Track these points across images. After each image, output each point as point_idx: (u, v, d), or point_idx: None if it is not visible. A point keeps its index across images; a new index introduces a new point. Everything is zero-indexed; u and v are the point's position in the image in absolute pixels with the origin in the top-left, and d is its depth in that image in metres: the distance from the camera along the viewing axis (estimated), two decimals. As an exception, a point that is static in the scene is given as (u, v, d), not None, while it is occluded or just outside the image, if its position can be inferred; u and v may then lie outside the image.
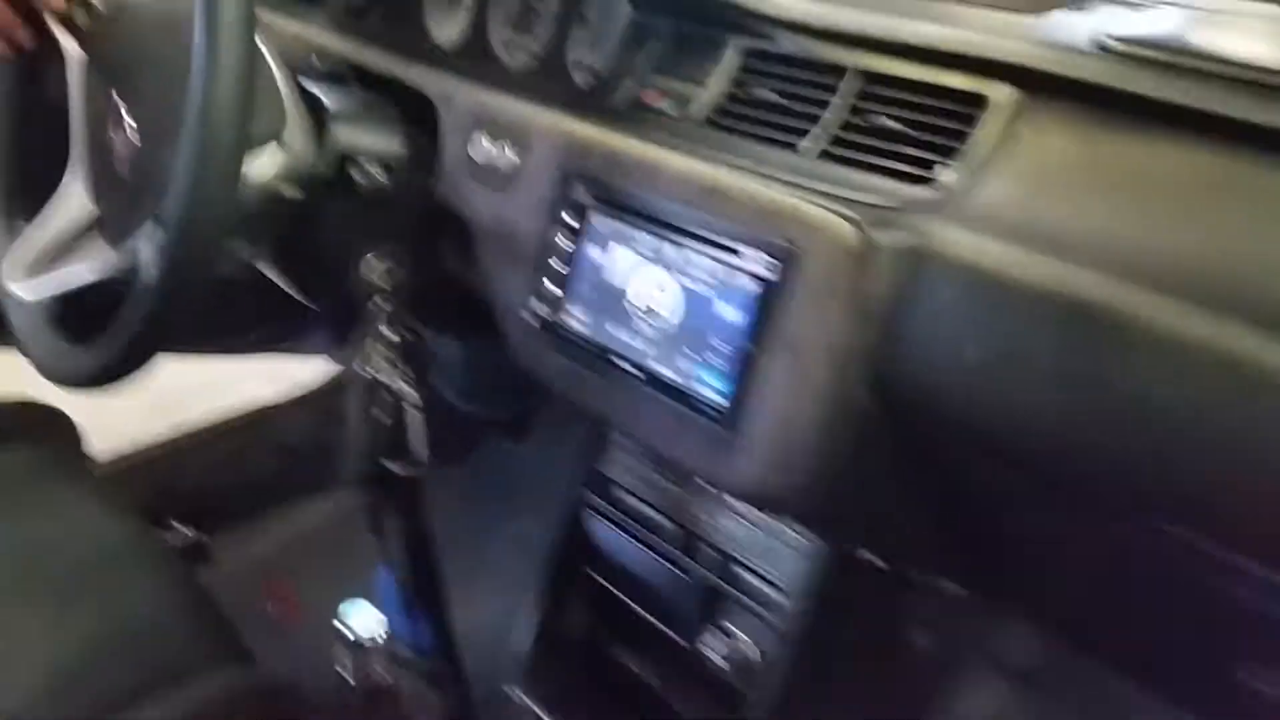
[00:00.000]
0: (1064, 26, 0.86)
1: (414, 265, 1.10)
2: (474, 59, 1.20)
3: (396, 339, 1.11)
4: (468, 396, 2.02)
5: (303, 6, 1.39)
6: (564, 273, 0.97)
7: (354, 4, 1.37)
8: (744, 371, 0.83)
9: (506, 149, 1.03)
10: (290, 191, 1.00)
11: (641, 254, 0.91)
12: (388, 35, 1.28)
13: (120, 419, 1.71)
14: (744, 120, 0.97)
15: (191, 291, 0.83)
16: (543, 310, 0.99)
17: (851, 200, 0.84)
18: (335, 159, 1.04)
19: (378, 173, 1.02)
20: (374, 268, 1.09)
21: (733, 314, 0.84)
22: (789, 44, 0.97)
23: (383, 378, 1.11)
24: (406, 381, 1.12)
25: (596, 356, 0.95)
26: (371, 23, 1.39)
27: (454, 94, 1.10)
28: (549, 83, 1.15)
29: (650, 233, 0.91)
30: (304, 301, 1.19)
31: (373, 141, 1.06)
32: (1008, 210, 0.79)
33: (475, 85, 1.11)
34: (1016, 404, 0.75)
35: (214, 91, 0.77)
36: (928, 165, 0.85)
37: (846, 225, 0.80)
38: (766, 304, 0.82)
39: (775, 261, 0.82)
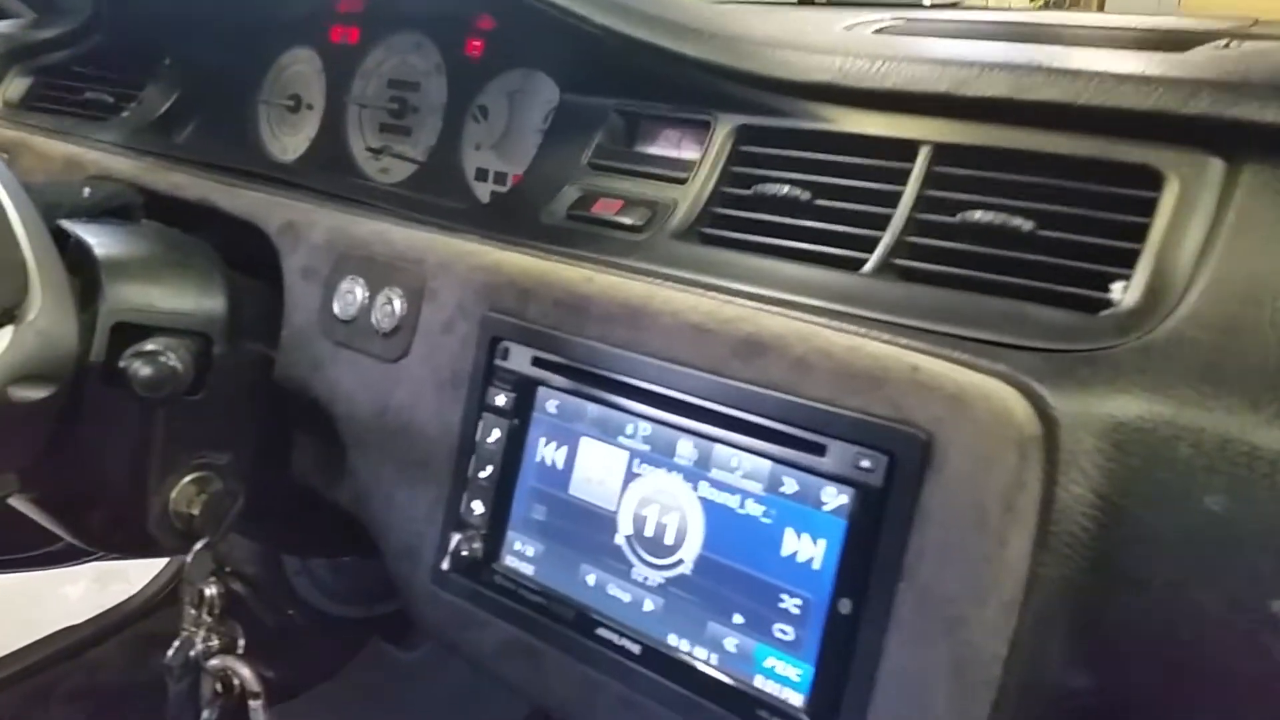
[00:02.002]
0: (1253, 58, 0.56)
1: (245, 483, 0.71)
2: (328, 173, 0.85)
3: (220, 592, 0.71)
4: (338, 597, 1.62)
5: (86, 121, 1.02)
6: (497, 487, 0.60)
7: (160, 113, 1.00)
8: (835, 647, 0.48)
9: (391, 298, 0.66)
10: (30, 392, 0.60)
11: (634, 452, 0.55)
12: (205, 151, 0.91)
13: None
14: (752, 229, 0.64)
15: None
16: (464, 547, 0.61)
17: (982, 342, 0.51)
18: (111, 334, 0.65)
19: (176, 353, 0.64)
20: (183, 493, 0.69)
21: (808, 548, 0.49)
22: (812, 115, 0.65)
23: (212, 661, 0.70)
24: (241, 658, 0.71)
25: (556, 620, 0.57)
26: (183, 137, 1.02)
27: (301, 222, 0.74)
28: (441, 198, 0.80)
29: (648, 419, 0.55)
30: (83, 546, 0.77)
31: (172, 301, 0.67)
32: (1249, 345, 0.47)
33: (334, 207, 0.75)
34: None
35: None
36: (1085, 279, 0.53)
37: (1008, 390, 0.46)
38: (872, 530, 0.47)
39: (883, 457, 0.47)
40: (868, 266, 0.58)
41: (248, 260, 0.75)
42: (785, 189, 0.64)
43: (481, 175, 0.89)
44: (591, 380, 0.58)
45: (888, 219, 0.60)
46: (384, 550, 0.67)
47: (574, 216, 0.70)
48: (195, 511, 0.69)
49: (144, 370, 0.61)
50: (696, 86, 0.70)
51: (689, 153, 0.71)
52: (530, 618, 0.58)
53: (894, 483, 0.46)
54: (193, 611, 0.68)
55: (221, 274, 0.71)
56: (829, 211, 0.62)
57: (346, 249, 0.70)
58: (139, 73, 1.05)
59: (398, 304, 0.66)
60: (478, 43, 0.89)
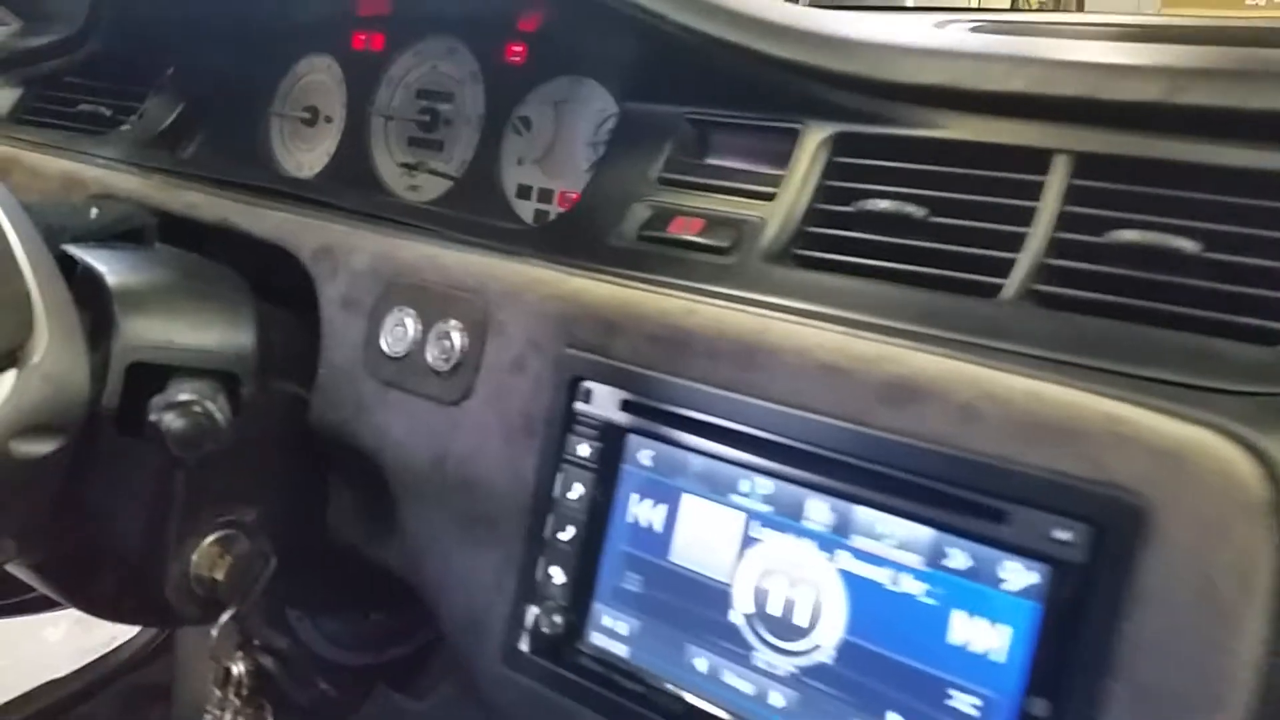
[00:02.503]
0: None
1: (276, 543, 0.63)
2: (352, 191, 0.77)
3: (249, 669, 0.62)
4: (344, 644, 1.52)
5: (82, 136, 0.93)
6: (581, 551, 0.52)
7: (164, 126, 0.92)
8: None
9: (449, 332, 0.58)
10: (36, 446, 0.51)
11: (751, 514, 0.47)
12: (214, 166, 0.83)
13: None
14: (855, 249, 0.56)
15: None
16: (543, 622, 0.53)
17: (1163, 382, 0.43)
18: (126, 376, 0.56)
19: (213, 400, 0.55)
20: (205, 556, 0.61)
21: (986, 635, 0.41)
22: (923, 122, 0.58)
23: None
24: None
25: (658, 711, 0.49)
26: (189, 152, 0.93)
27: (340, 245, 0.65)
28: (481, 217, 0.72)
29: (768, 474, 0.47)
30: (90, 614, 0.68)
31: (195, 336, 0.59)
32: None
33: (370, 229, 0.67)
34: None
35: None
36: (1269, 308, 0.45)
37: (1228, 445, 0.39)
38: (1073, 615, 0.39)
39: (1085, 527, 0.39)
40: (1006, 293, 0.51)
41: (274, 289, 0.67)
42: (895, 205, 0.57)
43: (524, 193, 0.81)
44: (695, 428, 0.50)
45: (1021, 239, 0.52)
46: (441, 620, 0.58)
47: (647, 238, 0.62)
48: (219, 576, 0.61)
49: (178, 424, 0.53)
50: (784, 91, 0.62)
51: (770, 166, 0.63)
52: (626, 708, 0.50)
53: (1101, 557, 0.38)
54: (218, 693, 0.60)
55: (249, 304, 0.62)
56: (950, 230, 0.55)
57: (394, 276, 0.61)
58: (139, 83, 0.96)
59: (457, 339, 0.58)
60: (519, 47, 0.82)
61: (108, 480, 0.58)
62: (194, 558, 0.60)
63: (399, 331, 0.60)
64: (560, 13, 0.77)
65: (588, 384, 0.53)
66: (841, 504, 0.45)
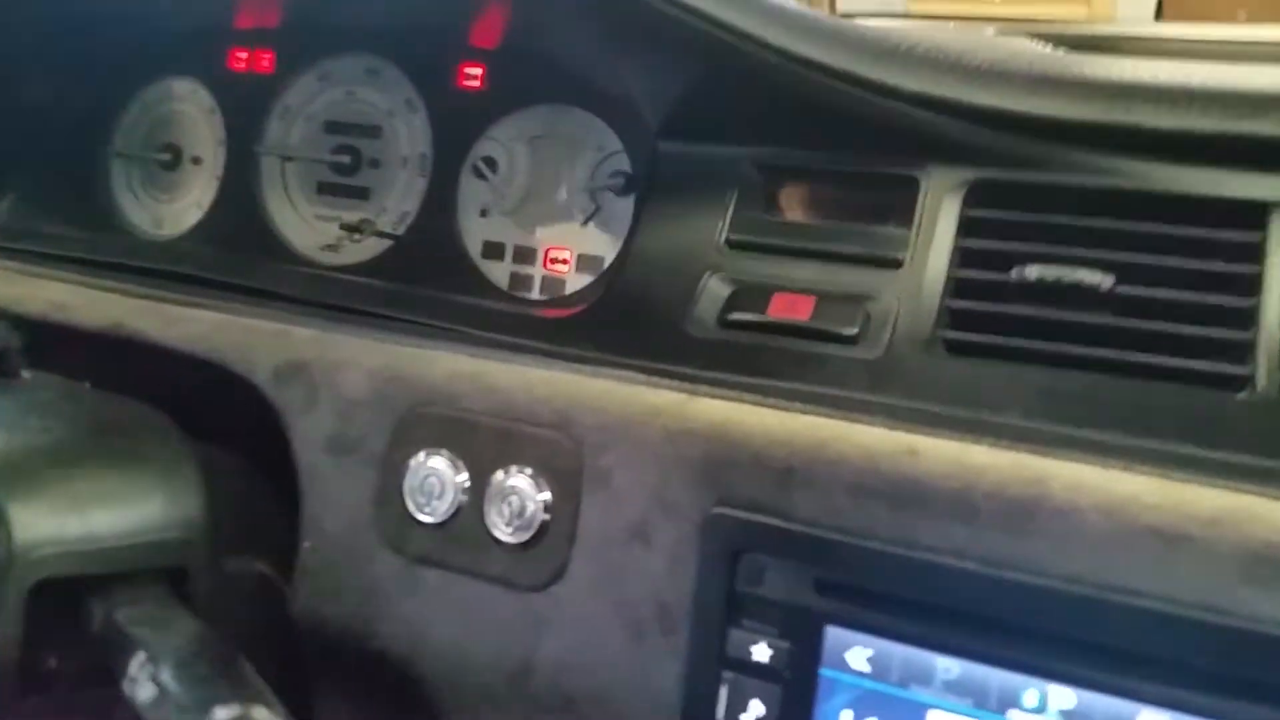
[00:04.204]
0: None
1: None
2: (240, 257, 0.58)
3: None
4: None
5: None
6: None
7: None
8: None
9: (518, 487, 0.41)
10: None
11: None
12: (38, 231, 0.61)
13: None
14: (1023, 330, 0.44)
15: None
16: None
17: None
18: (28, 603, 0.36)
19: (179, 640, 0.36)
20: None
21: None
22: (1090, 168, 0.46)
23: None
24: None
25: None
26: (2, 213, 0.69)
27: (317, 360, 0.46)
28: (441, 285, 0.56)
29: (1073, 683, 0.34)
30: None
31: (123, 520, 0.39)
32: None
33: (364, 332, 0.48)
34: None
35: None
36: None
37: None
38: None
39: None
40: (1258, 387, 0.40)
41: (207, 422, 0.47)
42: (1065, 271, 0.45)
43: (493, 251, 0.64)
44: (937, 617, 0.36)
45: (1252, 313, 0.42)
46: None
47: (738, 323, 0.47)
48: None
49: (145, 694, 0.33)
50: (892, 128, 0.49)
51: (873, 222, 0.50)
52: None
53: None
54: None
55: (186, 457, 0.43)
56: (1147, 304, 0.43)
57: (414, 404, 0.43)
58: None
59: (532, 494, 0.41)
60: (475, 68, 0.64)
61: None
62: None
63: (432, 485, 0.42)
64: (543, 18, 0.60)
65: (757, 557, 0.38)
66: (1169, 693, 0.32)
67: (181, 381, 0.47)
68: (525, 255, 0.63)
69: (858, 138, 0.50)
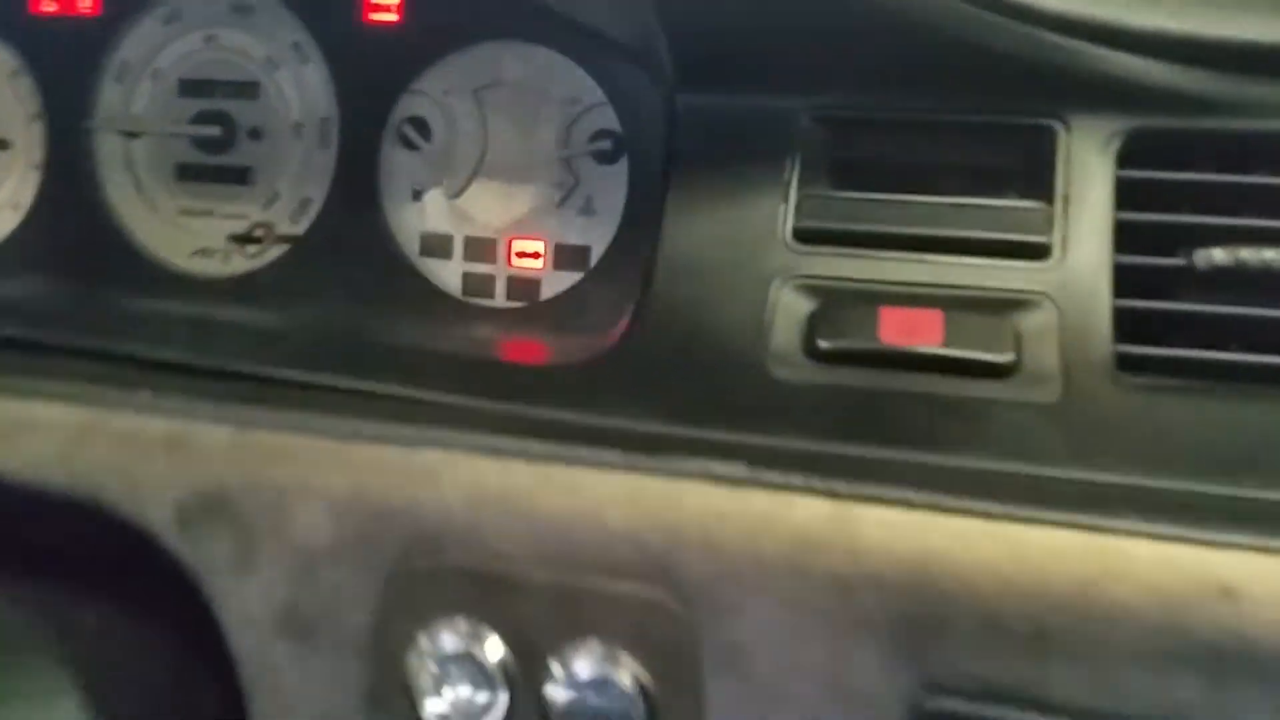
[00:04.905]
0: None
1: None
2: (91, 267, 0.41)
3: None
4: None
5: None
6: None
7: None
8: None
9: (602, 676, 0.27)
10: None
11: None
12: None
13: None
14: (1197, 331, 0.32)
15: None
16: None
17: None
18: None
19: None
20: None
21: None
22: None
23: None
24: None
25: None
26: None
27: (250, 488, 0.30)
28: (366, 296, 0.40)
29: None
30: None
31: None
32: None
33: (323, 432, 0.32)
34: None
35: None
36: None
37: None
38: None
39: None
40: None
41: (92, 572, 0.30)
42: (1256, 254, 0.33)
43: (435, 248, 0.48)
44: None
45: None
46: None
47: (834, 354, 0.33)
48: None
49: None
50: (1026, 61, 0.35)
51: (994, 194, 0.37)
52: None
53: None
54: None
55: (67, 689, 0.26)
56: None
57: (411, 548, 0.28)
58: None
59: (624, 686, 0.26)
60: (387, -2, 0.47)
61: None
62: None
63: (464, 670, 0.27)
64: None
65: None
66: None
67: (54, 524, 0.30)
68: (481, 250, 0.47)
69: (972, 77, 0.36)
